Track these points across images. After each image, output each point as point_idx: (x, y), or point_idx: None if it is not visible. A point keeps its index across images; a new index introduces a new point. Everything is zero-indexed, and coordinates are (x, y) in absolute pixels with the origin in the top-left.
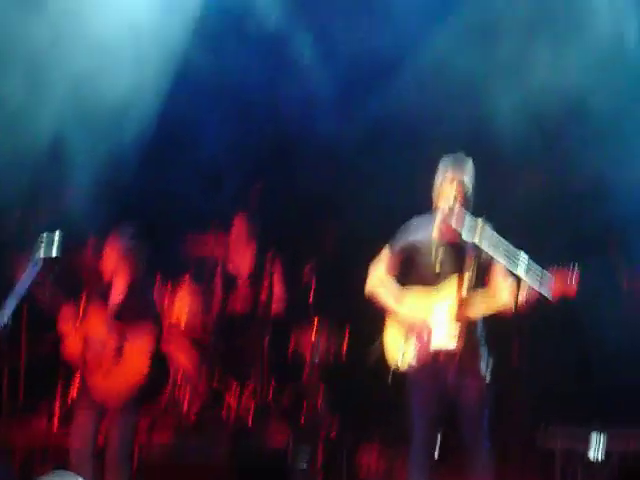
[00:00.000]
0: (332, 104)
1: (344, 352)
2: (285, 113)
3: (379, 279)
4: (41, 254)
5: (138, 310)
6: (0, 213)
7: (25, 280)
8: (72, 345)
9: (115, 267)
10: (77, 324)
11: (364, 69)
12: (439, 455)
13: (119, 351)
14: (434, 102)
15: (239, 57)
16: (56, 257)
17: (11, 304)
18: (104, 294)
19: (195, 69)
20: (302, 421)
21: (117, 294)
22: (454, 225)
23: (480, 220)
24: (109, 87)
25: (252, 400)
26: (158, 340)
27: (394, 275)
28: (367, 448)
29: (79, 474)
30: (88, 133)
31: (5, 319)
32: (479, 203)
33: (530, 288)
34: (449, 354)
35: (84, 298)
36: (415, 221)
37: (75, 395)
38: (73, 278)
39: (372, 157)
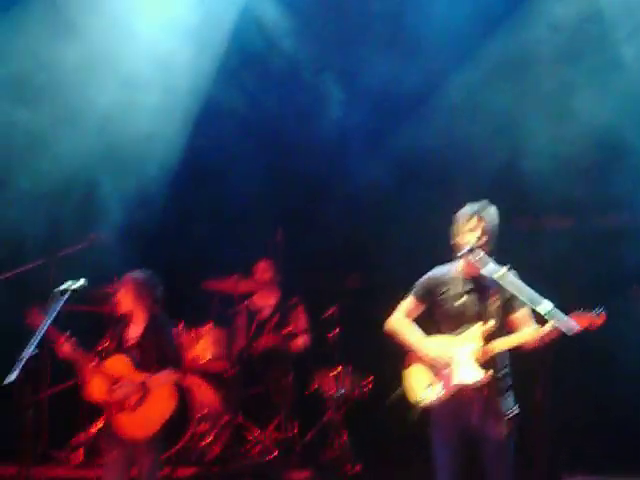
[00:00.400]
0: (361, 141)
1: (367, 391)
2: (313, 151)
3: (400, 320)
4: (65, 285)
5: (157, 349)
6: (23, 254)
7: (51, 312)
8: (94, 389)
9: (130, 307)
10: (99, 366)
11: (393, 106)
12: None
13: (143, 393)
14: (463, 140)
15: (267, 94)
16: (82, 286)
17: (38, 336)
18: (122, 335)
19: (221, 106)
20: (325, 458)
21: (134, 334)
22: (477, 264)
23: (504, 267)
24: (136, 121)
25: (275, 436)
26: (180, 378)
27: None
28: None
29: None
30: (115, 168)
31: (31, 349)
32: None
33: (553, 327)
34: (473, 390)
35: (106, 340)
36: (437, 268)
37: (101, 434)
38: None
39: (399, 197)
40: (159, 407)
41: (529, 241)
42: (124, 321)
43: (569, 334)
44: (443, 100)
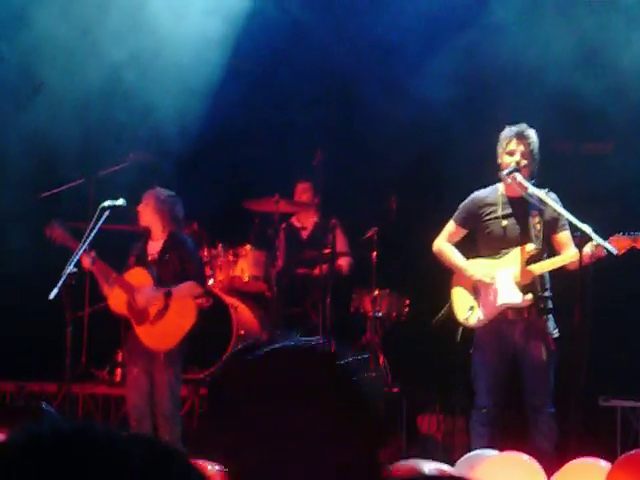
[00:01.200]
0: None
1: (404, 313)
2: (354, 70)
3: (444, 243)
4: (107, 203)
5: (175, 266)
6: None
7: (93, 228)
8: (116, 300)
9: (149, 221)
10: (119, 278)
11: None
12: (502, 416)
13: (165, 305)
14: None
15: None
16: (121, 205)
17: (79, 252)
18: (142, 251)
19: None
20: None
21: (153, 250)
22: (518, 186)
23: (544, 190)
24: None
25: None
26: (202, 293)
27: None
28: (428, 407)
29: (140, 429)
30: (156, 86)
31: (72, 267)
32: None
33: (596, 248)
34: (516, 311)
35: (129, 254)
36: (478, 192)
37: (127, 346)
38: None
39: (443, 120)
40: (180, 320)
41: (570, 166)
42: (144, 237)
43: (614, 253)
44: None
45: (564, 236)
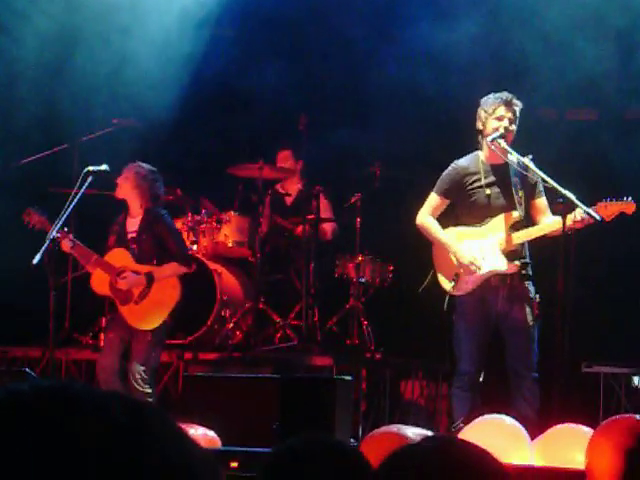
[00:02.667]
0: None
1: (389, 277)
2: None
3: (428, 217)
4: (91, 168)
5: (155, 243)
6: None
7: (76, 193)
8: (98, 282)
9: (127, 195)
10: (100, 260)
11: None
12: (484, 382)
13: (148, 285)
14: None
15: None
16: (106, 170)
17: (62, 218)
18: (121, 230)
19: None
20: (345, 345)
21: (132, 228)
22: (502, 152)
23: (527, 157)
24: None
25: (296, 323)
26: (185, 272)
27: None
28: (411, 373)
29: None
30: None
31: (54, 233)
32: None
33: (580, 212)
34: (499, 277)
35: (109, 233)
36: (459, 161)
37: (111, 315)
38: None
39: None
40: (164, 299)
41: (552, 133)
42: (123, 215)
43: (598, 220)
44: None
45: (542, 202)
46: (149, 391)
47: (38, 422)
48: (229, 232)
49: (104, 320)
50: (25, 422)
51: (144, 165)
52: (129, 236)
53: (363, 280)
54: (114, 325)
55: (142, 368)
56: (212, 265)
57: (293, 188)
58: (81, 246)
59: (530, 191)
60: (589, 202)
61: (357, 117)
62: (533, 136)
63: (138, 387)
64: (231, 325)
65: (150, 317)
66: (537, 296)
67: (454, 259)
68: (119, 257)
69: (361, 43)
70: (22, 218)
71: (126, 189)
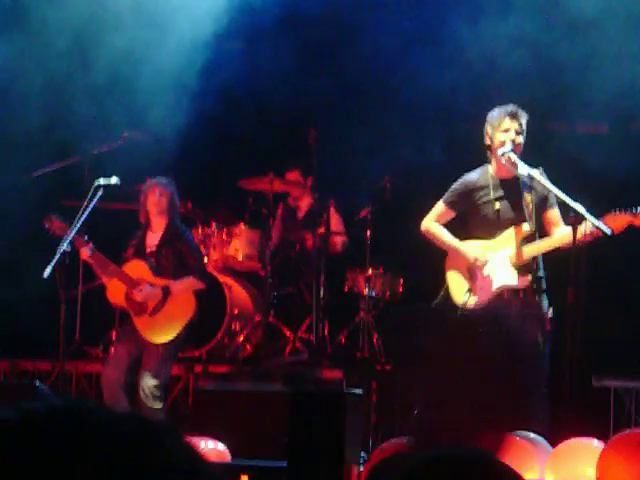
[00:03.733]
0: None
1: (400, 291)
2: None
3: (434, 223)
4: (102, 181)
5: (174, 257)
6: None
7: (87, 207)
8: (114, 292)
9: (150, 211)
10: (117, 270)
11: None
12: (496, 396)
13: (164, 298)
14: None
15: None
16: (116, 184)
17: (72, 231)
18: (141, 242)
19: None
20: (355, 358)
21: (152, 242)
22: (511, 165)
23: (537, 169)
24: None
25: (306, 336)
26: (203, 288)
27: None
28: (421, 384)
29: (110, 403)
30: (151, 67)
31: (65, 245)
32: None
33: (590, 228)
34: (511, 292)
35: (128, 245)
36: (468, 174)
37: (122, 328)
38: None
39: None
40: (179, 313)
41: (562, 146)
42: (143, 227)
43: (608, 233)
44: None
45: (554, 214)
46: (158, 407)
47: (52, 442)
48: (239, 245)
49: (114, 333)
50: (41, 446)
51: (158, 179)
52: (148, 250)
53: (373, 294)
54: (124, 338)
55: (154, 383)
56: (222, 278)
57: (304, 202)
58: (100, 255)
59: (541, 204)
60: (598, 215)
61: (368, 130)
62: (543, 149)
63: (147, 403)
64: (241, 338)
65: (163, 330)
66: (550, 310)
67: (465, 275)
68: (137, 269)
69: (375, 54)
70: (42, 225)
71: (162, 206)
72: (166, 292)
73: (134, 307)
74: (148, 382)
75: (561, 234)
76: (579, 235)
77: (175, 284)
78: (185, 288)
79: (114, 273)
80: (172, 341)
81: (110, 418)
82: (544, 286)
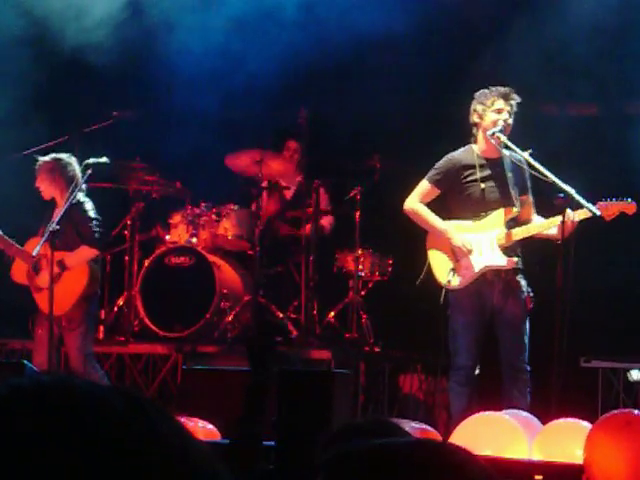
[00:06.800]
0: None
1: (389, 271)
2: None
3: (418, 203)
4: (91, 160)
5: (74, 230)
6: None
7: (76, 186)
8: (16, 271)
9: (50, 192)
10: (19, 250)
11: None
12: (480, 375)
13: (60, 272)
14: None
15: None
16: (105, 163)
17: (65, 207)
18: (50, 217)
19: None
20: (344, 339)
21: (56, 217)
22: (500, 145)
23: (526, 152)
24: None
25: (295, 317)
26: (97, 254)
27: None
28: (410, 367)
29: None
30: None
31: (54, 225)
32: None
33: (581, 208)
34: (495, 271)
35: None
36: (454, 153)
37: (33, 314)
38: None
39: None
40: (72, 284)
41: (551, 128)
42: (52, 205)
43: (597, 215)
44: None
45: (529, 199)
46: (97, 375)
47: (40, 416)
48: (228, 225)
49: (102, 312)
50: (30, 419)
51: (47, 158)
52: (51, 226)
53: (362, 274)
54: (40, 320)
55: (77, 355)
56: (211, 258)
57: (293, 181)
58: (3, 238)
59: (522, 187)
60: (589, 198)
61: (357, 108)
62: (533, 131)
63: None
64: (230, 318)
65: (59, 303)
66: (529, 290)
67: (448, 254)
68: (36, 246)
69: (364, 30)
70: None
71: (46, 188)
72: (62, 266)
73: (35, 284)
74: (74, 364)
75: (552, 218)
76: (568, 220)
77: (69, 256)
78: (78, 258)
79: (16, 252)
80: (73, 311)
81: (98, 392)
82: (521, 265)
